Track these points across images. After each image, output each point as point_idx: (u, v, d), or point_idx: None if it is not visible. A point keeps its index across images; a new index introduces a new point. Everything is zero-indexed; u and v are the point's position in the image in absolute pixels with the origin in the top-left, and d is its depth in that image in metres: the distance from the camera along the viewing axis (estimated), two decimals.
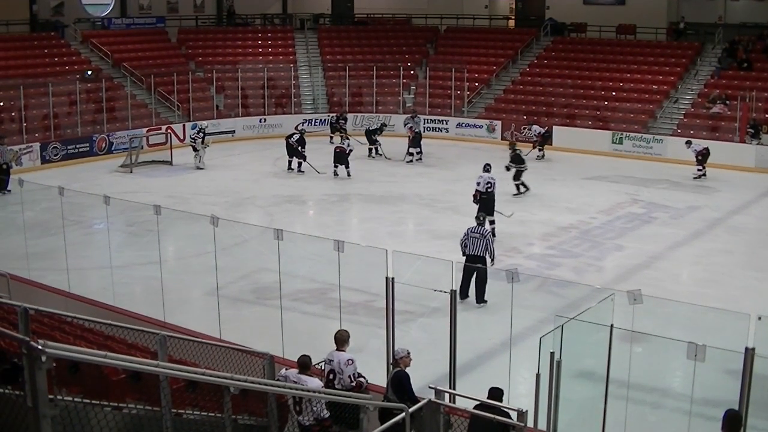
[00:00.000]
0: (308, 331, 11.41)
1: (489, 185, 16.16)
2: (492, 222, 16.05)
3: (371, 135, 24.84)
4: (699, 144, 22.33)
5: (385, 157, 24.56)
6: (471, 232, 12.73)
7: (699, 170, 21.94)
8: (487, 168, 16.50)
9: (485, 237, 12.69)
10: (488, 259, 12.72)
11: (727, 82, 26.45)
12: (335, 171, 21.97)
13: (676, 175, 22.29)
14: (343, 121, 26.68)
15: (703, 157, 21.94)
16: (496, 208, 16.29)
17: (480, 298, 12.52)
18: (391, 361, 8.18)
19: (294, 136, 22.86)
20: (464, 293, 12.41)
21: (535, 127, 25.21)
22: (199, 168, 23.14)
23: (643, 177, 22.18)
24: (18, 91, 24.26)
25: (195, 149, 23.31)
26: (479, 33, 33.01)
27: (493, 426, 5.99)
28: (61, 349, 3.97)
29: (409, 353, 7.96)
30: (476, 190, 16.16)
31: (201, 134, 23.32)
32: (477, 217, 13.71)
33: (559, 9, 32.44)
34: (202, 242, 12.19)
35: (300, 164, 22.60)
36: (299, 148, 22.56)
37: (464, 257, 12.66)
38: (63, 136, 24.67)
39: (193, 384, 6.19)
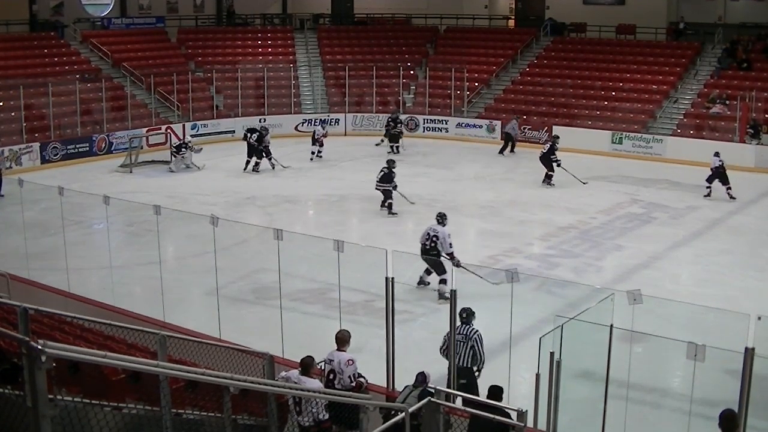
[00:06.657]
0: (308, 331, 11.40)
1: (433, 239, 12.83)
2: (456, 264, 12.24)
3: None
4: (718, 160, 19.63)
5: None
6: (453, 333, 8.70)
7: (728, 190, 19.45)
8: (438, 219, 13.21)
9: (471, 339, 9.07)
10: (475, 369, 9.16)
11: (727, 82, 26.43)
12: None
13: (675, 175, 22.26)
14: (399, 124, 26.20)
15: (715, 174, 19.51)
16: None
17: None
18: (419, 383, 7.92)
19: (254, 135, 22.69)
20: None
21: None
22: (171, 171, 22.87)
23: (642, 177, 22.15)
24: (18, 91, 24.21)
25: (174, 154, 23.22)
26: (479, 33, 32.99)
27: (493, 426, 5.97)
28: (61, 349, 3.97)
29: None
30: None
31: (185, 146, 23.31)
32: (460, 314, 9.04)
33: (559, 9, 32.45)
34: (202, 242, 12.19)
35: (257, 164, 22.62)
36: (259, 146, 22.54)
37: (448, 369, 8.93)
38: (63, 136, 24.67)
39: (193, 384, 6.20)
